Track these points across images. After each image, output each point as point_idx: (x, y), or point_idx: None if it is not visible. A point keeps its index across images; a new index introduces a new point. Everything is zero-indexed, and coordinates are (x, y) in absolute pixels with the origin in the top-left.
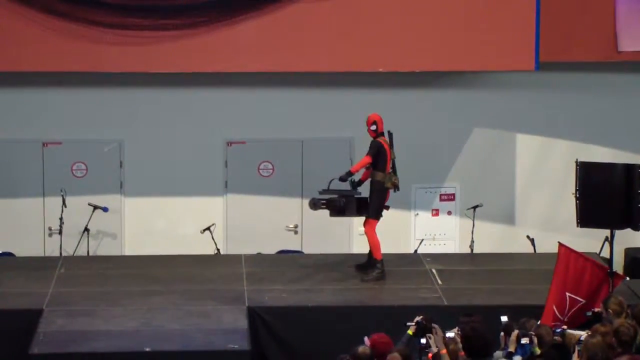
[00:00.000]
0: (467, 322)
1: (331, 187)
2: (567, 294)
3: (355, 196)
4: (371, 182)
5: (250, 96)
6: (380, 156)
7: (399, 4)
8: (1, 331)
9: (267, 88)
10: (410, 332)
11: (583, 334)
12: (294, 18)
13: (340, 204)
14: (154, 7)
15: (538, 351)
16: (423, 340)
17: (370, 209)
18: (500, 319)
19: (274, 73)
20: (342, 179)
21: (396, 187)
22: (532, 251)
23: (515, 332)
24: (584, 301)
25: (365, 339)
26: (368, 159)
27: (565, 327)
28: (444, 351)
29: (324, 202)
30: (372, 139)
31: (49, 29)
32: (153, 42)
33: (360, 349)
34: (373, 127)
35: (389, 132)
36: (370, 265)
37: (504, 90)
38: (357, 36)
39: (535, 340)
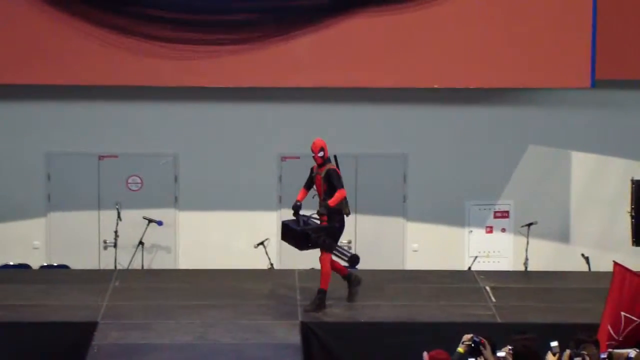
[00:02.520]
0: (519, 340)
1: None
2: (622, 313)
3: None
4: (329, 211)
5: (304, 111)
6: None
7: (455, 21)
8: (56, 343)
9: (321, 103)
10: (461, 350)
11: (631, 352)
12: (349, 33)
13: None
14: (211, 22)
15: None
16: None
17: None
18: (550, 340)
19: (328, 88)
20: (321, 214)
21: (349, 212)
22: (587, 269)
23: (567, 351)
24: (639, 321)
25: (425, 354)
26: (343, 192)
27: (611, 349)
28: None
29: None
30: (317, 164)
31: (107, 44)
32: (208, 57)
33: None
34: (321, 154)
35: (334, 156)
36: (352, 284)
37: (560, 108)
38: (413, 52)
39: None
